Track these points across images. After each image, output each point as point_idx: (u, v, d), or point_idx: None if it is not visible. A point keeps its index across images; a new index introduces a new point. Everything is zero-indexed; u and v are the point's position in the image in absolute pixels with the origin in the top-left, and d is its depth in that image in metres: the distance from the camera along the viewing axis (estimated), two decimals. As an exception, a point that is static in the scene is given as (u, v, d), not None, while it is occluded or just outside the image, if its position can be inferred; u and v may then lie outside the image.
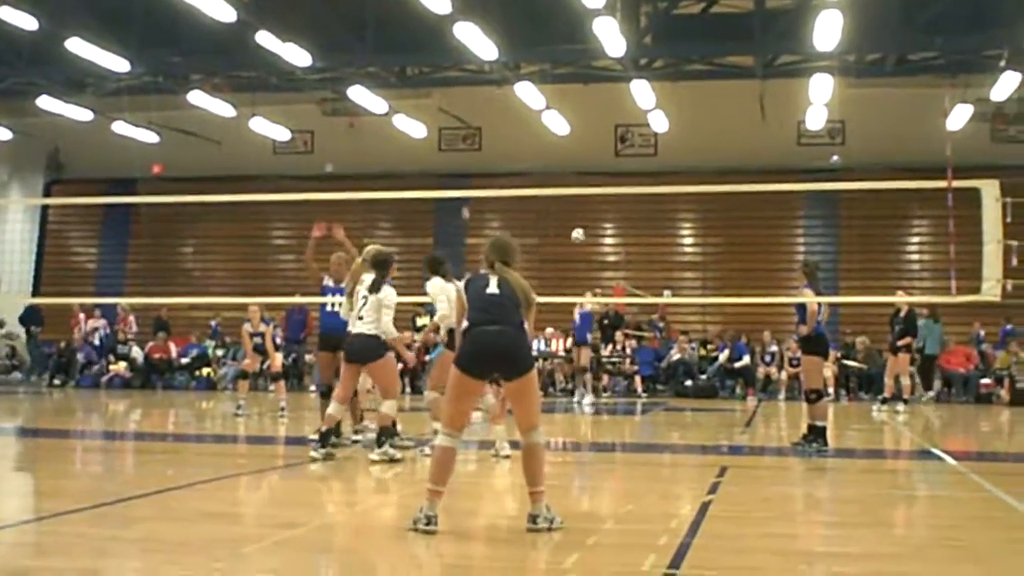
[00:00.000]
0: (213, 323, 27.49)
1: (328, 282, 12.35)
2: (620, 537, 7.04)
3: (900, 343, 19.36)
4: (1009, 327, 24.65)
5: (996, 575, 5.73)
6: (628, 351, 24.77)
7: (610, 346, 24.72)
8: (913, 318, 19.60)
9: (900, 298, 19.47)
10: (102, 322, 27.08)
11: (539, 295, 11.52)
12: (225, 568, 5.68)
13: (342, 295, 11.42)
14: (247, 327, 17.59)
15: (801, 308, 12.67)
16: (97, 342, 26.74)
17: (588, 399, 21.13)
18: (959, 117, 24.50)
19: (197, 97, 25.64)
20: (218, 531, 6.77)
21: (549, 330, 24.58)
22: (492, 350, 6.98)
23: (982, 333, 24.85)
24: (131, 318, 27.07)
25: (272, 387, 19.59)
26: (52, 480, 9.62)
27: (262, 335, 17.59)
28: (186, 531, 6.77)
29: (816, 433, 11.61)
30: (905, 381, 19.99)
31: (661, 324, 26.29)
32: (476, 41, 20.65)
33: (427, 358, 17.68)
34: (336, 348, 11.31)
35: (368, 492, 9.22)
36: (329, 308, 12.12)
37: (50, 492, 8.83)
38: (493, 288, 7.20)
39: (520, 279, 7.36)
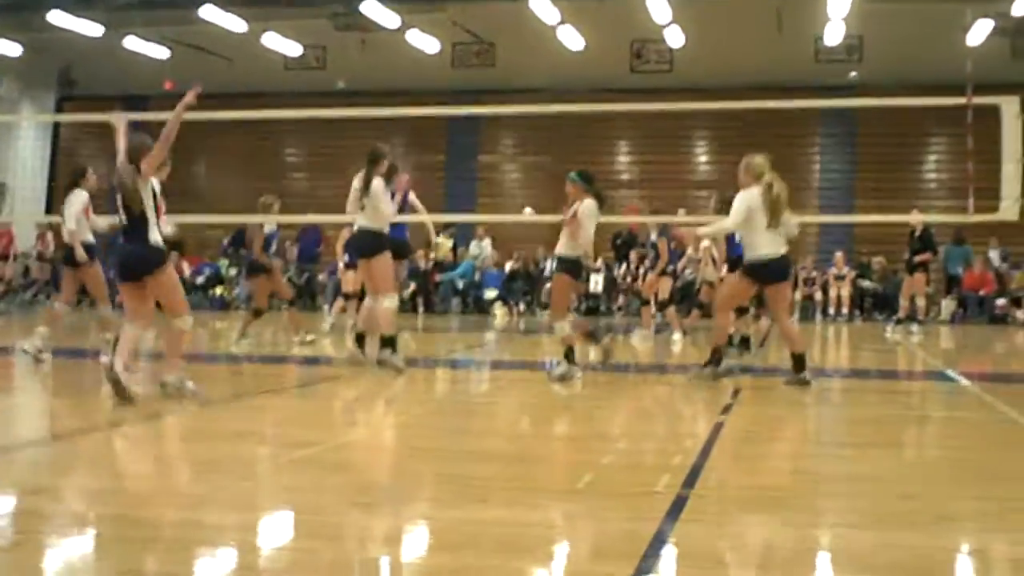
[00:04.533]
0: (224, 242, 27.42)
1: None
2: (633, 457, 7.06)
3: (917, 260, 19.19)
4: (1007, 250, 24.62)
5: (1011, 496, 5.73)
6: (642, 271, 24.71)
7: (624, 266, 24.62)
8: (929, 237, 19.48)
9: (914, 216, 19.34)
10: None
11: (555, 214, 11.54)
12: (240, 487, 5.70)
13: None
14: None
15: None
16: None
17: (677, 335, 17.26)
18: (979, 32, 24.16)
19: (208, 12, 25.40)
20: (234, 450, 6.80)
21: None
22: None
23: (991, 254, 24.71)
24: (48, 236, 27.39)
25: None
26: (70, 399, 9.68)
27: None
28: (203, 450, 6.80)
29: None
30: (920, 302, 19.92)
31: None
32: (490, -45, 20.39)
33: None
34: None
35: (384, 412, 9.25)
36: None
37: (67, 412, 8.87)
38: None
39: None
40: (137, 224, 8.70)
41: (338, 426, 8.46)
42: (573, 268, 10.83)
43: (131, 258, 8.76)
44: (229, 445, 6.99)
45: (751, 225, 10.37)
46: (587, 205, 10.79)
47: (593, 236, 10.95)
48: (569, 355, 10.72)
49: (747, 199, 10.37)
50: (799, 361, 10.34)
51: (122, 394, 8.26)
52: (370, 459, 6.98)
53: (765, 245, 10.31)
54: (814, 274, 24.79)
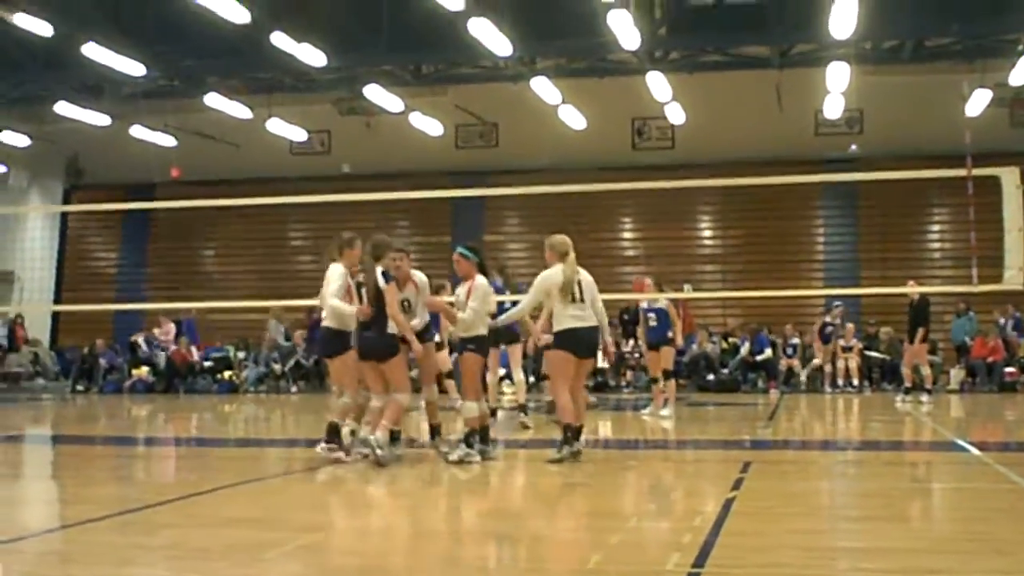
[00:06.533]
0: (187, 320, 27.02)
1: None
2: (643, 535, 7.02)
3: (918, 337, 19.36)
4: (1018, 315, 24.49)
5: (1022, 569, 5.68)
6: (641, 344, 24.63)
7: (631, 341, 24.57)
8: (924, 307, 19.51)
9: (910, 288, 19.49)
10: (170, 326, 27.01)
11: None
12: (248, 574, 5.67)
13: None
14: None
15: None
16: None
17: (667, 410, 16.09)
18: (978, 103, 24.35)
19: (213, 100, 25.71)
20: (241, 536, 6.77)
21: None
22: None
23: (1001, 321, 24.62)
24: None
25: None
26: (77, 487, 9.65)
27: None
28: (210, 537, 6.77)
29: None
30: (925, 371, 19.89)
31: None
32: (490, 37, 20.63)
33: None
34: None
35: (389, 495, 9.21)
36: None
37: (75, 499, 8.86)
38: None
39: None
40: (381, 315, 10.10)
41: (344, 509, 8.42)
42: (480, 346, 10.59)
43: (376, 344, 10.18)
44: (236, 530, 6.97)
45: (553, 301, 10.64)
46: (479, 284, 10.58)
47: (486, 311, 10.66)
48: (469, 438, 10.44)
49: (548, 277, 10.67)
50: (575, 432, 10.37)
51: (381, 462, 9.88)
52: (377, 543, 6.94)
53: (568, 319, 10.46)
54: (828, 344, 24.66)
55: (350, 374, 10.49)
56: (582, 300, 10.57)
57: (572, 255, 10.72)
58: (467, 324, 10.45)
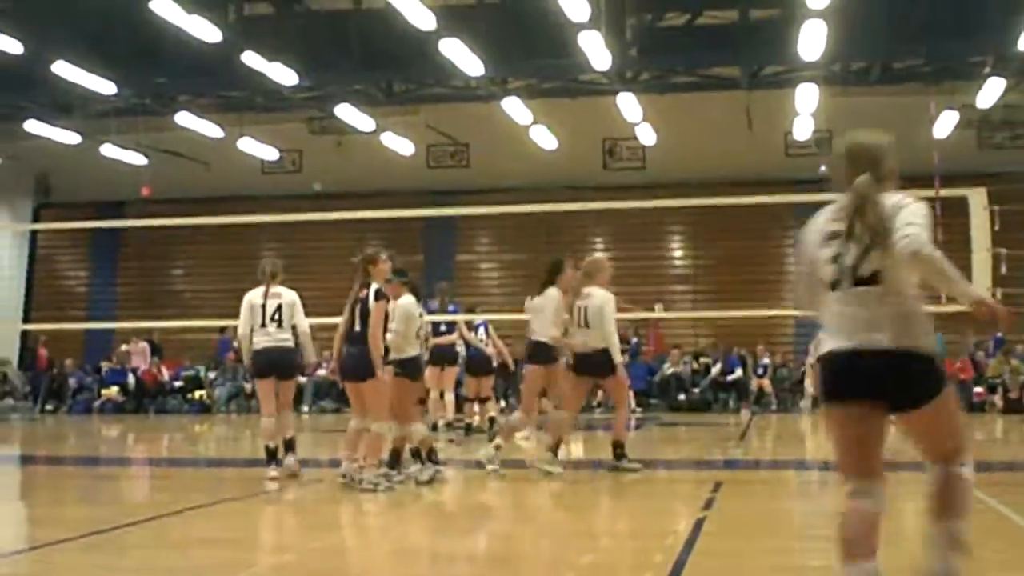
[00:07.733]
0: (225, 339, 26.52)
1: None
2: (615, 555, 7.01)
3: None
4: (999, 335, 24.59)
5: (993, 587, 5.72)
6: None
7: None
8: None
9: None
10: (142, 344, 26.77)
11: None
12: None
13: None
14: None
15: None
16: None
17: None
18: (945, 125, 24.53)
19: (184, 118, 25.64)
20: (211, 557, 6.73)
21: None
22: None
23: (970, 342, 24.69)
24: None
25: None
26: (46, 508, 9.60)
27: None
28: (180, 558, 6.73)
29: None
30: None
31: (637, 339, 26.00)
32: (462, 57, 20.68)
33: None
34: None
35: (361, 516, 9.18)
36: None
37: (44, 520, 8.80)
38: None
39: None
40: (363, 332, 9.66)
41: (315, 530, 8.38)
42: (409, 369, 10.29)
43: (354, 362, 9.72)
44: (206, 551, 6.93)
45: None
46: (400, 305, 10.35)
47: (411, 333, 10.39)
48: (432, 455, 10.34)
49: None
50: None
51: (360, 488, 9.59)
52: (347, 564, 6.92)
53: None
54: (794, 368, 24.75)
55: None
56: (585, 324, 10.93)
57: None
58: (393, 346, 10.12)
